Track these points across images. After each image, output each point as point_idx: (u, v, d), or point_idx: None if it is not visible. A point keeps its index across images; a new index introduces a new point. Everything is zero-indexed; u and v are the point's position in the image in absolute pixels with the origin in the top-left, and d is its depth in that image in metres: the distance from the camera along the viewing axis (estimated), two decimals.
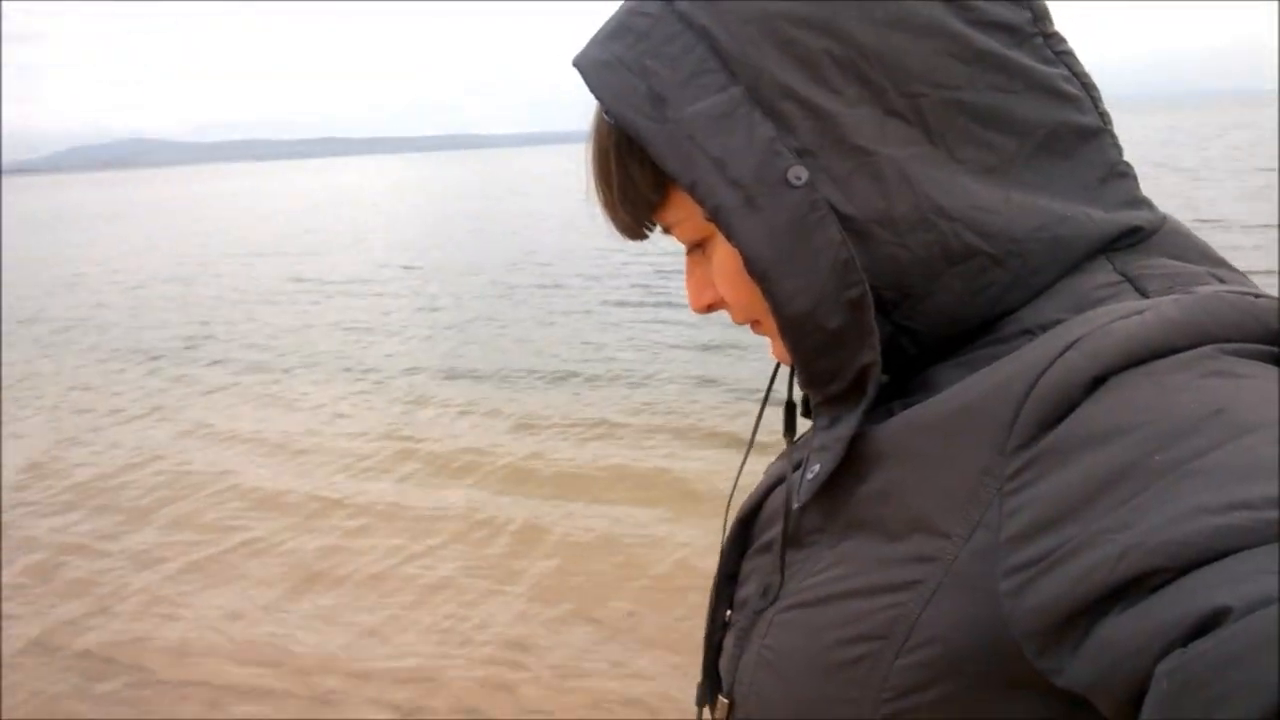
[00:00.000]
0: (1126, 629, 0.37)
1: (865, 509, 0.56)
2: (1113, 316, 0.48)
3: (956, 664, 0.49)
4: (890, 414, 0.58)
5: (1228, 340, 0.45)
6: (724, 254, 0.60)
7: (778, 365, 0.69)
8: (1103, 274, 0.55)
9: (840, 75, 0.55)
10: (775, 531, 0.64)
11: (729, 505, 0.72)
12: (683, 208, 0.61)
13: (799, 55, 0.55)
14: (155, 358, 10.09)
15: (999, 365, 0.51)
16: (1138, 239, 0.57)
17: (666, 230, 0.65)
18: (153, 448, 6.87)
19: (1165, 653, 0.34)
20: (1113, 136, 0.60)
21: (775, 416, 0.72)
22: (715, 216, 0.56)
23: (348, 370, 8.96)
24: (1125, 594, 0.37)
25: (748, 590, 0.67)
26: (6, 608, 4.48)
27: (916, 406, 0.55)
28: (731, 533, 0.70)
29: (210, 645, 4.07)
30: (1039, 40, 0.58)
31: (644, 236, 0.66)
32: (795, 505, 0.61)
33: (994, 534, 0.47)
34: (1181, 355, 0.44)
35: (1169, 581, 0.36)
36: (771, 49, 0.55)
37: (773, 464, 0.72)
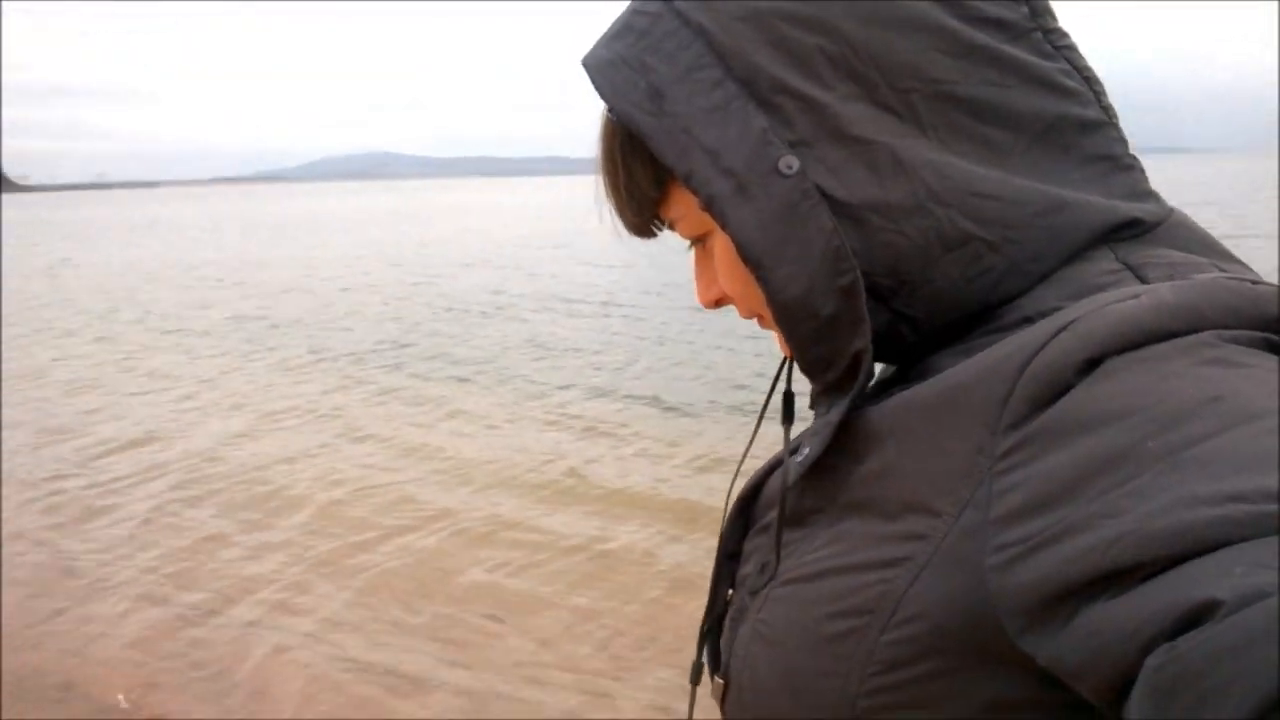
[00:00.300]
0: (1115, 616, 0.36)
1: (862, 489, 0.56)
2: (1108, 300, 0.49)
3: (940, 640, 0.49)
4: (888, 397, 0.58)
5: (1225, 326, 0.45)
6: (723, 247, 0.61)
7: (785, 357, 0.69)
8: (1105, 262, 0.55)
9: (832, 71, 0.55)
10: (774, 513, 0.64)
11: (730, 489, 0.72)
12: (683, 203, 0.62)
13: (792, 51, 0.56)
14: (356, 360, 10.48)
15: (994, 348, 0.51)
16: (1141, 230, 0.57)
17: (670, 227, 0.66)
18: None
19: (1152, 642, 0.34)
20: (1117, 130, 0.60)
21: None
22: (709, 206, 0.57)
23: (527, 387, 8.93)
24: (1115, 580, 0.37)
25: (747, 569, 0.67)
26: None
27: (913, 388, 0.56)
28: (732, 514, 0.71)
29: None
30: (1037, 35, 0.58)
31: (653, 234, 0.67)
32: (786, 485, 0.62)
33: (983, 512, 0.47)
34: (1179, 340, 0.44)
35: (1161, 571, 0.35)
36: (765, 45, 0.56)
37: (778, 453, 0.71)
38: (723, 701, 0.68)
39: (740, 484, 0.73)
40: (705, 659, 0.73)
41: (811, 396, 0.65)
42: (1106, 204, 0.57)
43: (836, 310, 0.56)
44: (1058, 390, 0.46)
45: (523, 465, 6.39)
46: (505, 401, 8.27)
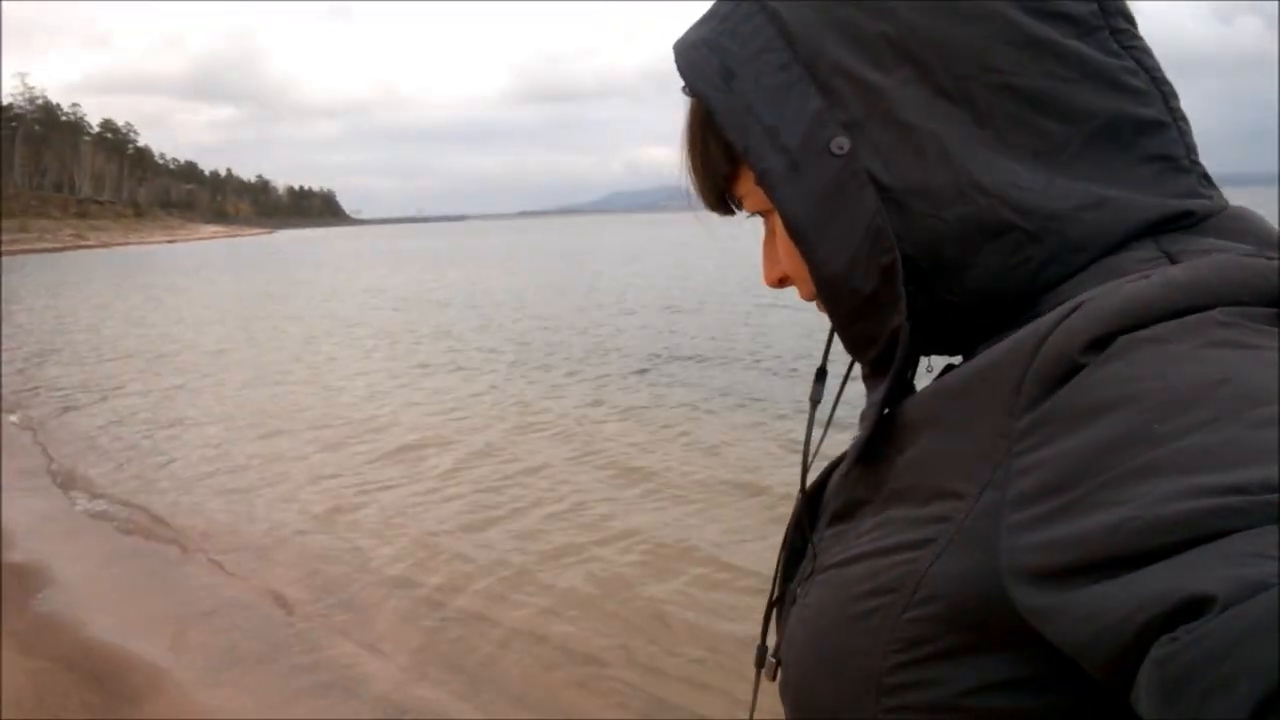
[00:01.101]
0: (1115, 597, 0.37)
1: (902, 478, 0.57)
2: (1121, 281, 0.49)
3: (958, 619, 0.50)
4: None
5: (1236, 302, 0.44)
6: (782, 225, 0.61)
7: (831, 334, 0.69)
8: (1144, 251, 0.55)
9: (893, 55, 0.57)
10: (836, 505, 0.66)
11: (803, 479, 0.72)
12: (750, 179, 0.63)
13: (855, 36, 0.57)
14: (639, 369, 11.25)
15: (1019, 332, 0.52)
16: (1191, 222, 0.56)
17: (739, 205, 0.67)
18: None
19: (1149, 625, 0.35)
20: (1179, 132, 0.58)
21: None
22: (761, 180, 0.59)
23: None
24: (1117, 564, 0.38)
25: (806, 560, 0.69)
26: None
27: (946, 376, 0.58)
28: (797, 507, 0.71)
29: None
30: (1104, 33, 0.58)
31: (730, 211, 0.69)
32: (840, 473, 0.66)
33: (1001, 493, 0.48)
34: (1188, 319, 0.44)
35: (1162, 557, 0.36)
36: (831, 29, 0.58)
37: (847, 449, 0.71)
38: (777, 682, 0.70)
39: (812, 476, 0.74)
40: (767, 645, 0.75)
41: (864, 379, 0.67)
42: (1155, 200, 0.56)
43: (876, 288, 0.57)
44: (1065, 372, 0.46)
45: None
46: None
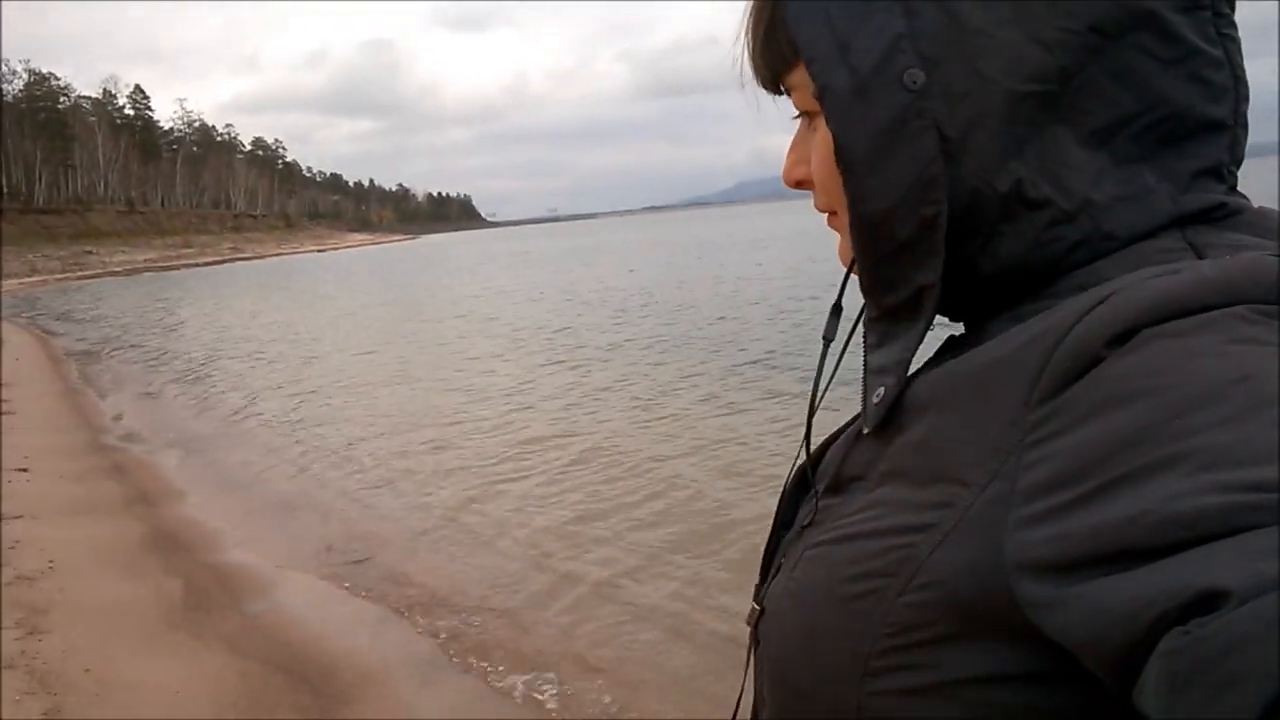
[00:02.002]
0: (1125, 591, 0.36)
1: (902, 458, 0.56)
2: (1148, 274, 0.48)
3: (955, 607, 0.49)
4: (936, 369, 0.58)
5: (1264, 301, 0.43)
6: (825, 134, 0.59)
7: (846, 276, 0.67)
8: (1169, 241, 0.54)
9: None
10: (829, 477, 0.65)
11: (807, 437, 0.71)
12: (805, 78, 0.60)
13: None
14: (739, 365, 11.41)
15: (1038, 319, 0.51)
16: (1219, 215, 0.55)
17: (788, 92, 0.64)
18: None
19: (1160, 620, 0.34)
20: (1234, 139, 0.57)
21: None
22: (821, 96, 0.57)
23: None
24: (1129, 557, 0.37)
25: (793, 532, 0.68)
26: None
27: (959, 358, 0.56)
28: (794, 478, 0.71)
29: None
30: (1208, 14, 0.55)
31: (778, 91, 0.65)
32: (865, 430, 0.62)
33: (1009, 484, 0.47)
34: (1212, 314, 0.43)
35: (1176, 551, 0.35)
36: None
37: (848, 421, 0.70)
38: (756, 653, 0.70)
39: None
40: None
41: (865, 322, 0.65)
42: (1190, 196, 0.55)
43: (914, 236, 0.56)
44: (1087, 364, 0.45)
45: None
46: None
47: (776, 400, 9.31)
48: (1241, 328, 0.42)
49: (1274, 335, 0.42)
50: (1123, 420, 0.41)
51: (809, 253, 30.80)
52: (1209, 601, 0.33)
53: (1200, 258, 0.51)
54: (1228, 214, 0.55)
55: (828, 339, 0.71)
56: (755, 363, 11.56)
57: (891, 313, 0.61)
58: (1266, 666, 0.29)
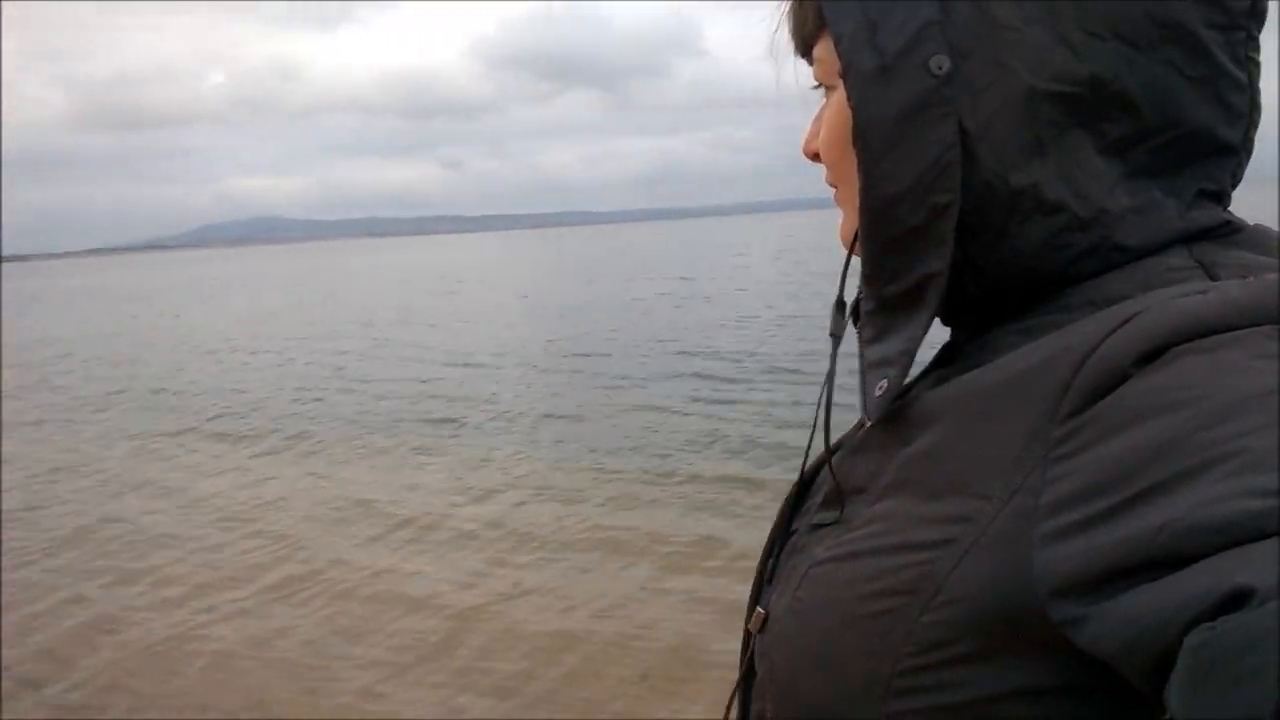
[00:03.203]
0: (1158, 599, 0.37)
1: (908, 471, 0.56)
2: (1175, 294, 0.49)
3: (980, 624, 0.48)
4: (942, 380, 0.58)
5: None
6: (839, 107, 0.60)
7: (846, 264, 0.67)
8: (1177, 259, 0.55)
9: None
10: (828, 489, 0.63)
11: (826, 438, 0.66)
12: (830, 51, 0.60)
13: None
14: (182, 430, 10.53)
15: (1058, 335, 0.51)
16: (1224, 233, 0.57)
17: (810, 60, 0.65)
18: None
19: (1193, 624, 0.34)
20: (1238, 164, 0.58)
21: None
22: (845, 73, 0.57)
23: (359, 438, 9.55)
24: (1159, 565, 0.38)
25: (791, 541, 0.67)
26: None
27: (973, 371, 0.55)
28: (791, 493, 0.70)
29: None
30: (1241, 35, 0.55)
31: (804, 55, 0.65)
32: (868, 423, 0.61)
33: (1033, 499, 0.47)
34: (1240, 333, 0.44)
35: (1205, 556, 0.36)
36: None
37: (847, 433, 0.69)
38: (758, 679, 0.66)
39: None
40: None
41: (861, 314, 0.63)
42: (1195, 213, 0.56)
43: (922, 224, 0.55)
44: (1115, 381, 0.45)
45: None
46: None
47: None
48: (1269, 345, 0.43)
49: None
50: (1151, 433, 0.42)
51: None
52: (1237, 601, 0.33)
53: (1211, 276, 0.53)
54: (1231, 231, 0.56)
55: (836, 335, 0.68)
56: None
57: (891, 304, 0.60)
58: None
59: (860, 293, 0.63)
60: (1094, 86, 0.53)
